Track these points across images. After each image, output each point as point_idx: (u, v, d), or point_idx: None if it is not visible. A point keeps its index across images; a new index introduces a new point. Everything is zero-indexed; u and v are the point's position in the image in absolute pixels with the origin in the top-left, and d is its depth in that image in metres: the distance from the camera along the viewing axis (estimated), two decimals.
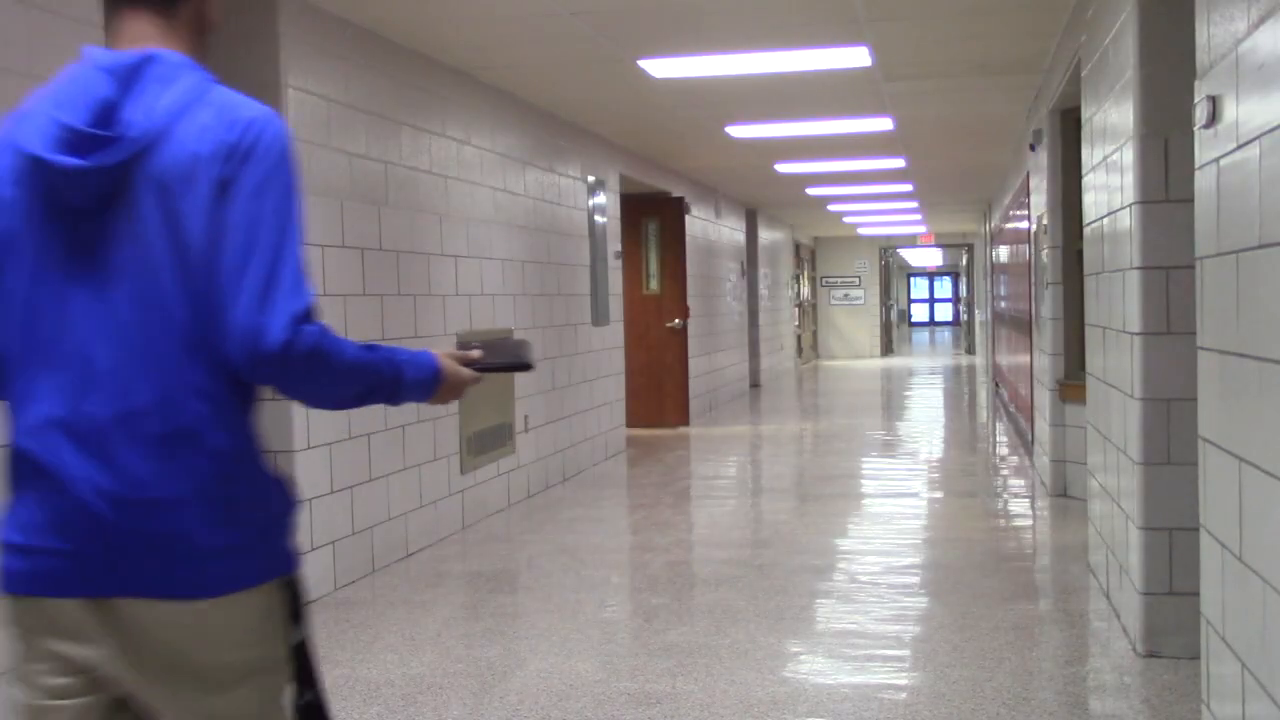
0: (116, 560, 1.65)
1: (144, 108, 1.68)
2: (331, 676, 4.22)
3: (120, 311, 1.67)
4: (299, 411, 5.20)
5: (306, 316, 1.65)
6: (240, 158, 1.67)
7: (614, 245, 10.34)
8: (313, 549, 5.31)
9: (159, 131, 1.67)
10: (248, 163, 1.67)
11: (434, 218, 6.60)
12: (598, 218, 9.97)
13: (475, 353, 2.02)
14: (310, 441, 5.30)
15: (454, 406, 6.75)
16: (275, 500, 1.77)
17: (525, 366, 2.17)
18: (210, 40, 1.90)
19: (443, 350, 1.95)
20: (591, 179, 9.69)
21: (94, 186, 1.67)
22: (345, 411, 5.56)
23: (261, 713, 1.74)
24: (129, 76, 1.70)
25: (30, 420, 1.69)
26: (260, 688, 1.73)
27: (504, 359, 2.13)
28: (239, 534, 1.70)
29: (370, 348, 1.77)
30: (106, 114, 1.68)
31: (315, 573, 5.33)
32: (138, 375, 1.67)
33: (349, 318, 5.64)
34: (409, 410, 6.20)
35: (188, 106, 1.69)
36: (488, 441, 7.27)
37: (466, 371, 1.98)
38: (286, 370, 1.65)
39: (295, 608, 1.79)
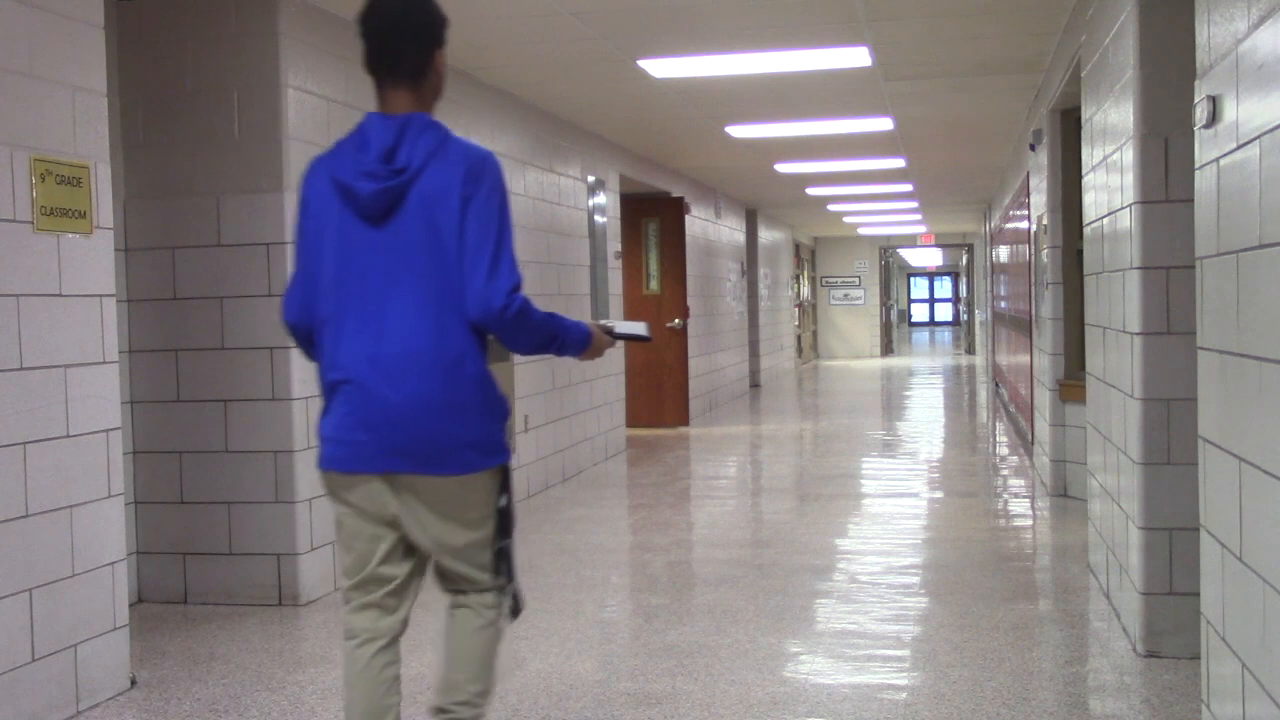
0: (401, 448, 2.63)
1: (411, 151, 2.64)
2: (331, 677, 4.22)
3: (399, 285, 2.63)
4: (300, 412, 5.20)
5: (515, 289, 2.63)
6: (474, 183, 2.63)
7: (614, 245, 10.34)
8: (312, 549, 5.31)
9: (421, 166, 2.64)
10: (479, 187, 2.63)
11: None
12: (598, 218, 9.97)
13: (612, 325, 3.00)
14: (310, 441, 5.30)
15: None
16: (501, 410, 2.73)
17: (645, 338, 3.13)
18: (438, 102, 2.82)
19: (590, 321, 2.92)
20: (591, 179, 9.69)
21: (382, 202, 2.64)
22: None
23: (482, 544, 2.77)
24: (400, 131, 2.66)
25: (343, 358, 2.65)
26: (483, 530, 2.76)
27: (630, 331, 3.08)
28: (483, 433, 2.68)
29: (550, 316, 2.74)
30: (389, 156, 2.65)
31: (315, 572, 5.33)
32: (413, 326, 2.62)
33: None
34: None
35: (437, 150, 2.65)
36: None
37: (605, 337, 2.94)
38: (502, 323, 2.63)
39: (505, 483, 2.76)
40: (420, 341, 2.62)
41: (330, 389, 2.70)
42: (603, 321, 2.96)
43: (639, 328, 3.10)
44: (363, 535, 2.74)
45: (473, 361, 2.65)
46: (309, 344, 2.79)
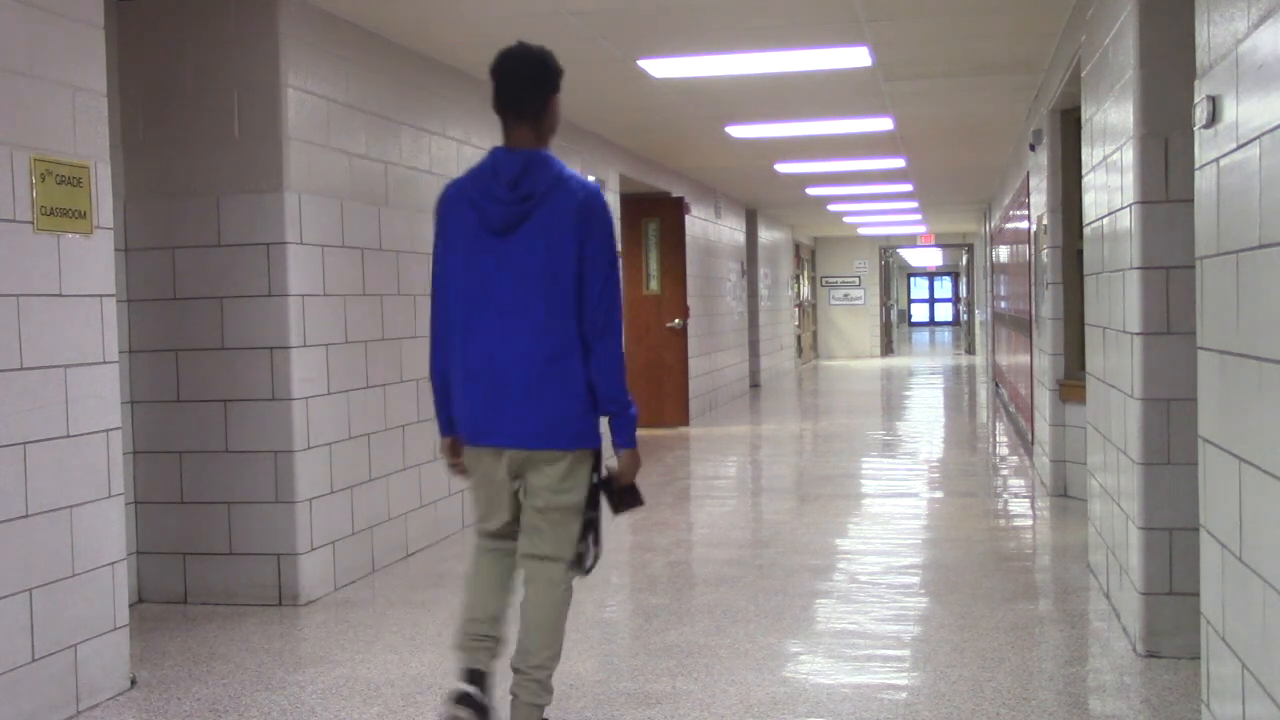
0: (513, 428, 3.24)
1: (533, 182, 3.22)
2: (331, 677, 4.22)
3: (516, 294, 3.21)
4: (300, 412, 5.20)
5: (612, 324, 3.24)
6: (587, 213, 3.22)
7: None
8: (313, 549, 5.31)
9: (542, 194, 3.22)
10: (591, 216, 3.23)
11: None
12: None
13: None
14: (310, 441, 5.30)
15: None
16: (594, 406, 3.29)
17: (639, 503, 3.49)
18: (554, 137, 3.38)
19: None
20: (592, 179, 9.69)
21: (507, 220, 3.22)
22: (346, 412, 5.57)
23: (576, 508, 3.32)
24: (525, 165, 3.23)
25: (474, 352, 3.26)
26: (575, 501, 3.32)
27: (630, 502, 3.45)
28: (584, 421, 3.27)
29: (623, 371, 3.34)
30: (515, 183, 3.22)
31: (315, 573, 5.33)
32: (526, 329, 3.21)
33: (349, 318, 5.64)
34: (409, 410, 6.21)
35: (555, 181, 3.24)
36: None
37: (637, 457, 3.43)
38: (594, 344, 3.23)
39: (597, 463, 3.35)
40: (530, 342, 3.21)
41: (461, 378, 3.31)
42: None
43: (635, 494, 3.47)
44: (486, 493, 3.39)
45: (572, 361, 3.23)
46: (447, 367, 3.39)
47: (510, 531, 3.39)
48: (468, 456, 3.39)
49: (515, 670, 3.30)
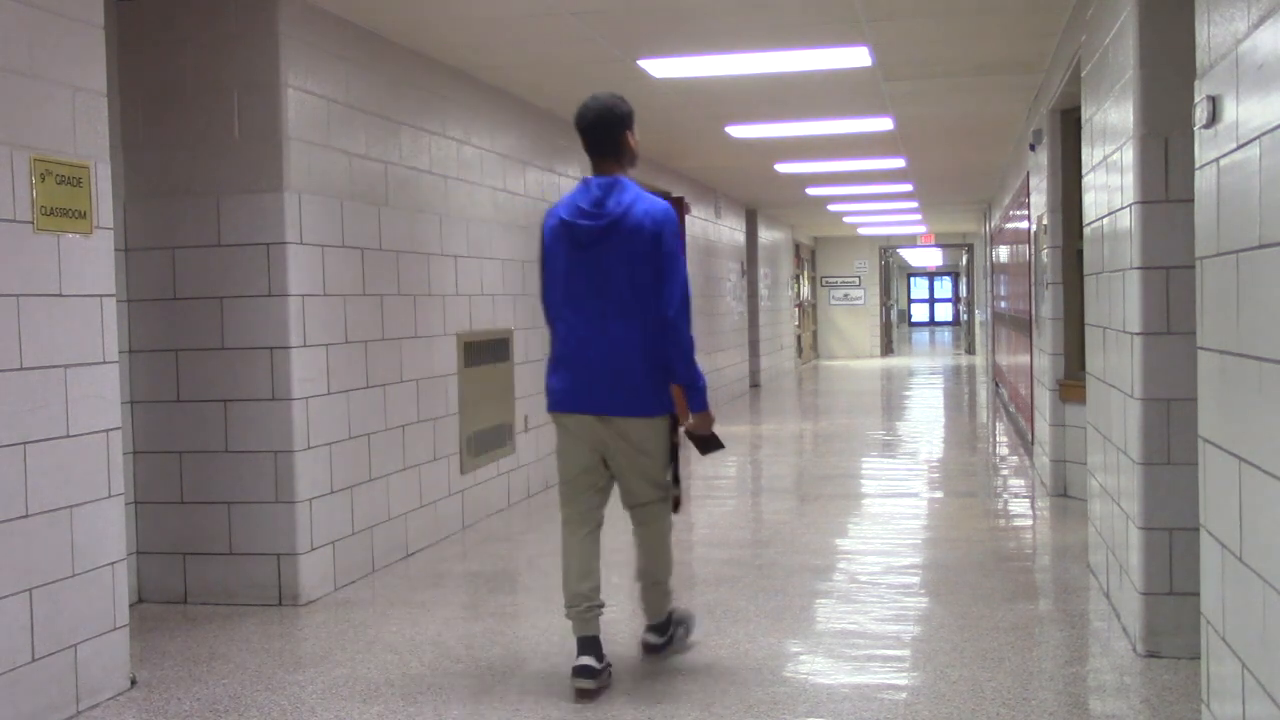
0: (601, 398, 3.99)
1: (615, 202, 4.00)
2: (331, 677, 4.22)
3: (601, 294, 3.98)
4: (300, 412, 5.21)
5: (680, 306, 3.95)
6: (657, 227, 3.96)
7: None
8: (313, 549, 5.31)
9: (622, 213, 3.98)
10: (662, 229, 3.96)
11: (434, 218, 6.60)
12: None
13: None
14: (310, 441, 5.30)
15: (454, 407, 6.76)
16: (666, 379, 4.02)
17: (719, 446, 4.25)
18: (634, 166, 4.23)
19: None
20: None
21: (594, 235, 3.99)
22: (346, 412, 5.57)
23: (660, 469, 4.14)
24: (608, 188, 4.04)
25: (571, 337, 4.04)
26: (662, 451, 4.13)
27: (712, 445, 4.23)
28: (653, 392, 4.01)
29: (692, 352, 4.06)
30: (599, 204, 4.01)
31: (315, 573, 5.33)
32: (609, 320, 3.97)
33: (349, 318, 5.65)
34: (409, 410, 6.21)
35: (633, 202, 4.00)
36: (488, 441, 7.27)
37: (711, 416, 4.18)
38: (663, 324, 3.93)
39: (674, 425, 4.12)
40: (614, 330, 3.99)
41: (558, 359, 4.14)
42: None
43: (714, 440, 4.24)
44: (575, 454, 4.12)
45: (648, 344, 3.99)
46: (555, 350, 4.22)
47: (599, 490, 4.18)
48: (559, 424, 4.15)
49: (644, 584, 4.36)
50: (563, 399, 4.10)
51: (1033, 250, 8.74)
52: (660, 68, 7.04)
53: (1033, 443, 8.96)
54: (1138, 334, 4.13)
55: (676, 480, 4.26)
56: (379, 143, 5.99)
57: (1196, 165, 3.13)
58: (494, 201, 7.49)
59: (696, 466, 9.76)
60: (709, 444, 4.20)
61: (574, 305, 4.04)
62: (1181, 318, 4.01)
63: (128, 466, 5.23)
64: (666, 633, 4.39)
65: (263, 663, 4.41)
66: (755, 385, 17.39)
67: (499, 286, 7.51)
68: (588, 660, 3.97)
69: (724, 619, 4.87)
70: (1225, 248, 2.85)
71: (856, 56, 6.80)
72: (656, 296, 3.95)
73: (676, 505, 4.29)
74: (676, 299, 3.96)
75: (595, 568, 4.15)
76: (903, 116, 9.11)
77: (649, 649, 4.37)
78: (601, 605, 4.11)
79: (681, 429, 4.19)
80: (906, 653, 4.42)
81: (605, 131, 4.11)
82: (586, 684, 3.92)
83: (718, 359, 14.59)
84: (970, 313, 27.79)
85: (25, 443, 3.67)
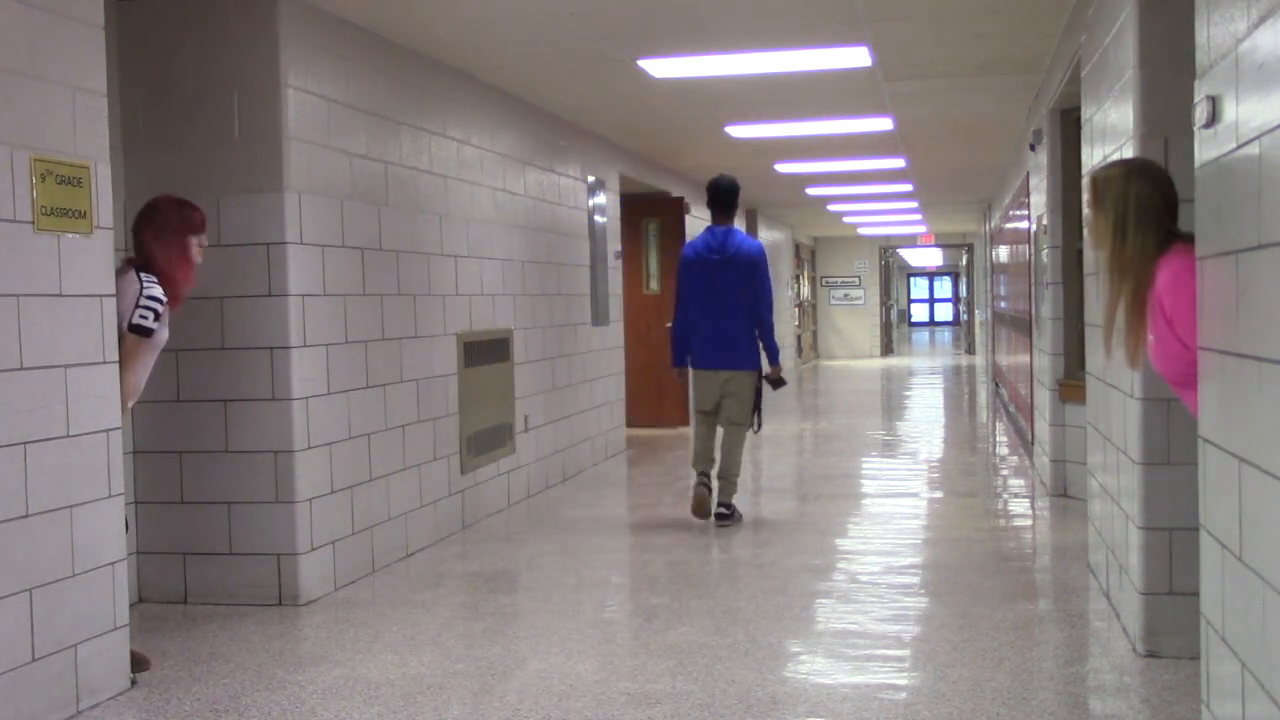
0: (723, 360, 6.95)
1: (734, 244, 6.98)
2: (331, 677, 4.22)
3: (726, 306, 6.92)
4: (300, 412, 5.21)
5: (769, 310, 7.00)
6: (755, 261, 6.97)
7: (614, 245, 10.34)
8: (313, 549, 5.31)
9: (735, 252, 6.96)
10: (758, 263, 6.98)
11: (434, 218, 6.61)
12: (597, 218, 9.97)
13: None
14: (310, 441, 5.30)
15: (454, 406, 6.76)
16: (759, 350, 7.04)
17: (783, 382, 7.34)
18: (737, 214, 7.67)
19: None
20: (591, 179, 9.69)
21: (719, 266, 6.95)
22: (346, 412, 5.57)
23: (750, 396, 7.00)
24: (725, 235, 7.02)
25: (704, 333, 6.97)
26: (750, 395, 6.99)
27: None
28: (753, 357, 6.99)
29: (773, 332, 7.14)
30: (723, 245, 6.98)
31: (315, 573, 5.33)
32: (731, 320, 6.92)
33: (349, 318, 5.65)
34: (409, 410, 6.21)
35: (740, 243, 7.00)
36: (488, 441, 7.28)
37: (780, 369, 7.33)
38: (761, 323, 6.97)
39: (759, 377, 7.04)
40: (732, 323, 6.87)
41: (699, 343, 6.93)
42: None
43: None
44: (706, 392, 6.96)
45: (751, 330, 6.92)
46: (685, 334, 7.03)
47: (715, 411, 6.97)
48: (696, 375, 7.01)
49: (720, 478, 6.91)
50: (701, 361, 6.95)
51: (1033, 250, 8.74)
52: (660, 68, 7.04)
53: (1032, 443, 8.96)
54: None
55: (759, 412, 6.99)
56: (379, 143, 5.99)
57: (1196, 165, 3.13)
58: (494, 201, 7.49)
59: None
60: (778, 384, 7.13)
61: (704, 308, 6.89)
62: None
63: (128, 466, 5.23)
64: (731, 510, 6.86)
65: (263, 663, 4.41)
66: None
67: (499, 286, 7.52)
68: (703, 477, 6.84)
69: (724, 619, 4.87)
70: (1225, 248, 2.85)
71: (856, 56, 6.81)
72: (757, 302, 6.86)
73: (759, 426, 7.04)
74: (767, 306, 6.91)
75: (710, 448, 6.95)
76: (903, 116, 9.11)
77: (720, 518, 6.85)
78: (713, 464, 6.91)
79: (765, 377, 7.03)
80: (906, 652, 4.42)
81: (728, 199, 7.00)
82: (705, 481, 6.82)
83: None
84: (970, 313, 27.79)
85: (25, 442, 3.67)
